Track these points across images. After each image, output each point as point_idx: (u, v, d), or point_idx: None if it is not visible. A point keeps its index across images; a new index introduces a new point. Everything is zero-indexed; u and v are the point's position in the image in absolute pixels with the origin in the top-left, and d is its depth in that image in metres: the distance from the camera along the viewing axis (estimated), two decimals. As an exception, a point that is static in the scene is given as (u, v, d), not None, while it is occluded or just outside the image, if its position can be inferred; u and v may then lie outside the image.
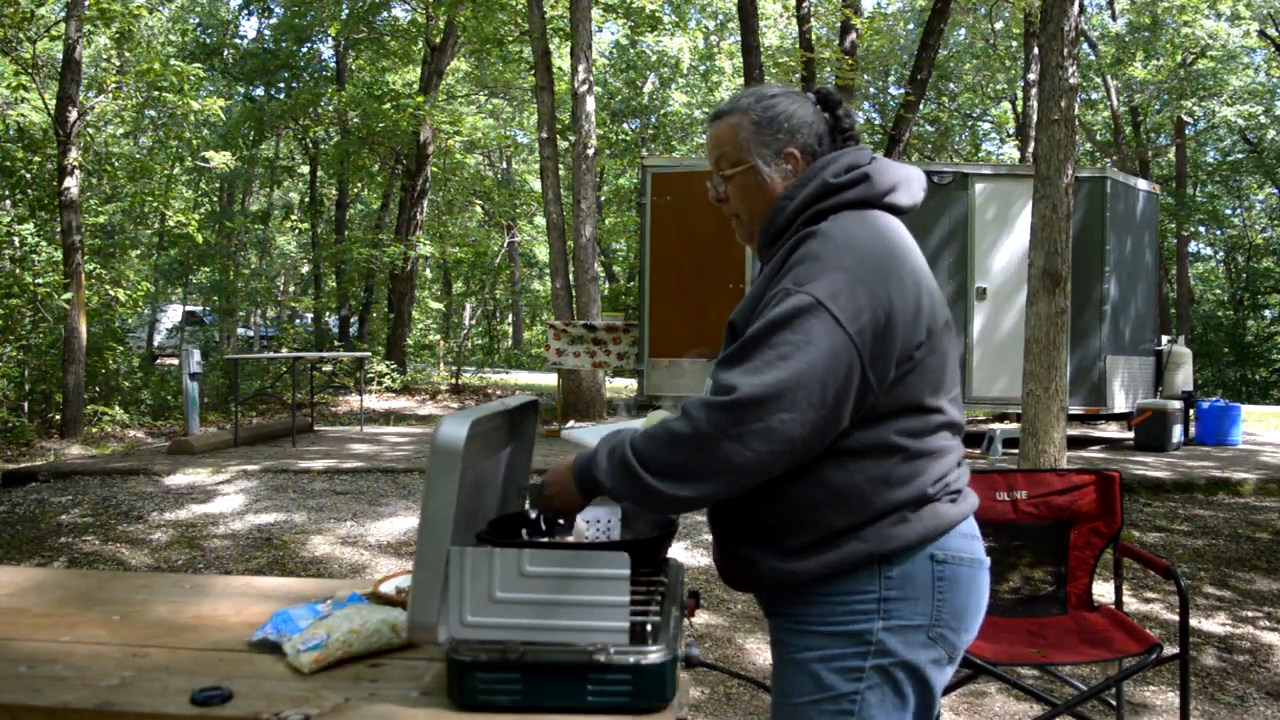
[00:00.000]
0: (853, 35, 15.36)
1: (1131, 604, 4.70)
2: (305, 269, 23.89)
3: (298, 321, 22.20)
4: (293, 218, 24.99)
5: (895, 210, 1.57)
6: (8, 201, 13.41)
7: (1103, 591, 4.10)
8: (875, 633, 1.48)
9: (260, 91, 18.90)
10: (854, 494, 1.47)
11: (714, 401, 1.37)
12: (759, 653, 4.07)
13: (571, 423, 2.04)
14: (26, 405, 12.52)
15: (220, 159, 15.73)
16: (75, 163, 11.46)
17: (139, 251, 17.42)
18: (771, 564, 1.51)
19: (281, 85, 18.96)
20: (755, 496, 1.48)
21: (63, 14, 12.42)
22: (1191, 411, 9.42)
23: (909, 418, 1.49)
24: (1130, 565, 4.76)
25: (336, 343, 20.09)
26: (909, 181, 1.59)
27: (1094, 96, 23.34)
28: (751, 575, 1.56)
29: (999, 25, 21.79)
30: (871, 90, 22.31)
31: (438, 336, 22.87)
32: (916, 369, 1.47)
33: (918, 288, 1.48)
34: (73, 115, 11.29)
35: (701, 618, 4.42)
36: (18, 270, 12.03)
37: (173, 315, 21.41)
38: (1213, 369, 24.96)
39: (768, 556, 1.52)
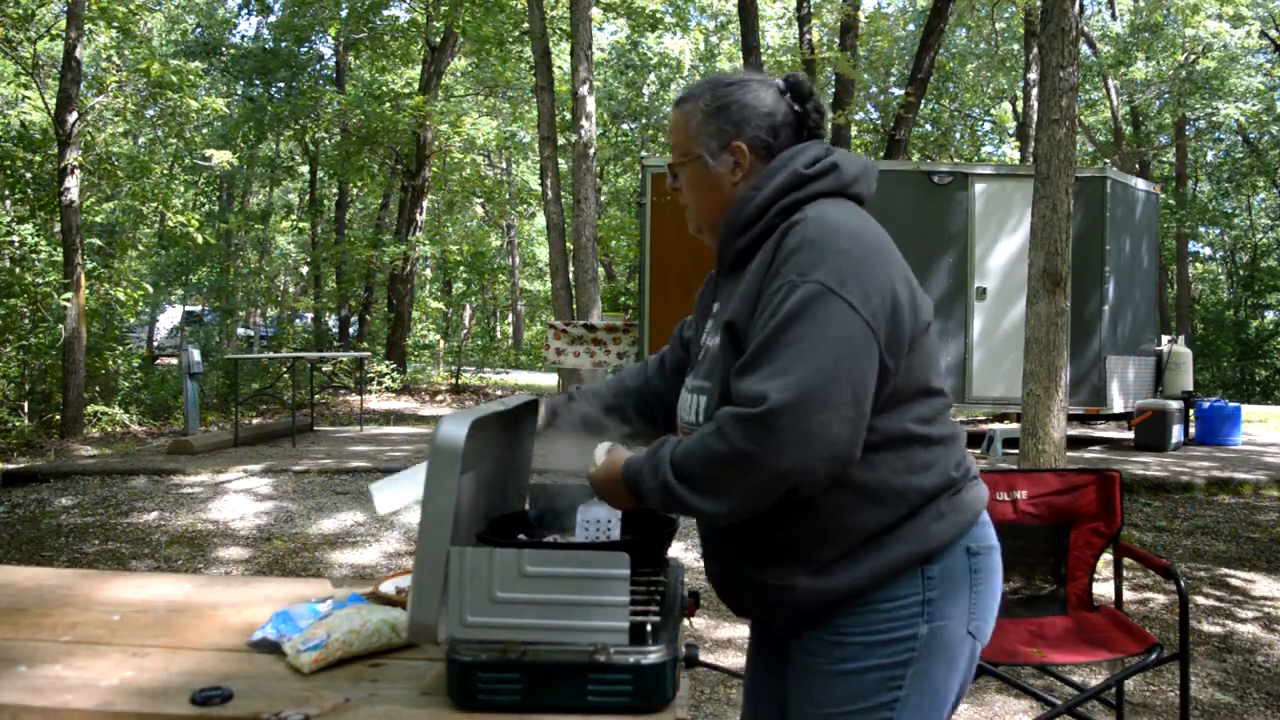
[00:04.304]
0: (851, 36, 15.37)
1: (1131, 604, 4.70)
2: (305, 269, 23.88)
3: (298, 321, 22.20)
4: (292, 218, 24.98)
5: (858, 200, 1.56)
6: (8, 201, 13.41)
7: (1103, 591, 4.10)
8: (919, 637, 1.42)
9: (259, 90, 18.88)
10: (885, 490, 1.41)
11: (746, 414, 1.30)
12: (759, 653, 4.06)
13: (376, 485, 2.03)
14: (26, 405, 12.53)
15: (221, 156, 15.73)
16: (75, 163, 11.46)
17: (138, 253, 17.41)
18: (808, 584, 1.43)
19: (281, 85, 18.95)
20: (776, 511, 1.38)
21: (64, 11, 12.41)
22: (1191, 412, 9.42)
23: (921, 402, 1.45)
24: (1130, 565, 4.76)
25: (336, 343, 20.09)
26: (868, 173, 1.57)
27: (1094, 97, 23.32)
28: (787, 601, 1.46)
29: (1000, 26, 21.78)
30: (872, 90, 22.28)
31: (438, 336, 22.86)
32: (919, 351, 1.44)
33: (904, 270, 1.46)
34: (72, 116, 11.29)
35: (701, 618, 4.42)
36: (18, 270, 12.04)
37: (173, 315, 21.41)
38: (1214, 369, 24.95)
39: (801, 575, 1.43)
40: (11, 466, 8.46)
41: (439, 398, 16.37)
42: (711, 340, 1.55)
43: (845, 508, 1.41)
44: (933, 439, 1.46)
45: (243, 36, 23.35)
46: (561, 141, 13.71)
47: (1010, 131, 25.61)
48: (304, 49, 19.73)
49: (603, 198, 24.01)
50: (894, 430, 1.42)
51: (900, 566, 1.42)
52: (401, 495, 1.80)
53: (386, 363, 17.66)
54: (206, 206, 21.87)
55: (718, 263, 1.62)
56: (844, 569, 1.42)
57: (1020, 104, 21.47)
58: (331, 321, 21.74)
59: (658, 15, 16.69)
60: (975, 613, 1.47)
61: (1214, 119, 21.30)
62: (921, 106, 17.82)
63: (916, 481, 1.43)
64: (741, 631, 4.32)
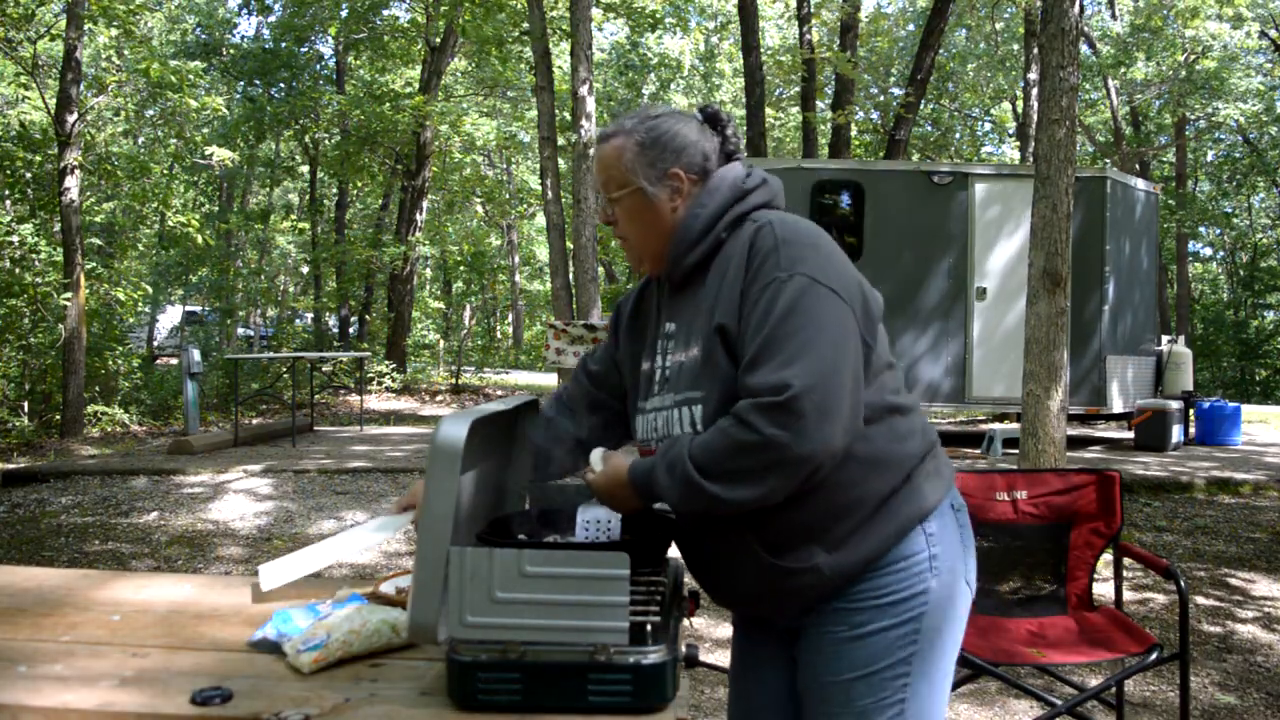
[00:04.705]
0: (851, 36, 15.37)
1: (1131, 604, 4.70)
2: (305, 269, 23.86)
3: (298, 321, 22.18)
4: (292, 218, 24.97)
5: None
6: (8, 201, 13.41)
7: (1103, 591, 4.10)
8: (930, 591, 1.52)
9: (259, 90, 18.88)
10: (884, 458, 1.51)
11: (771, 402, 1.36)
12: (759, 653, 4.06)
13: (265, 565, 2.02)
14: (26, 405, 12.53)
15: (222, 154, 15.73)
16: (75, 163, 11.45)
17: (138, 253, 17.40)
18: (829, 560, 1.49)
19: (281, 85, 18.95)
20: (793, 495, 1.44)
21: (64, 11, 12.41)
22: (1191, 412, 9.42)
23: (888, 375, 1.57)
24: (1130, 565, 4.76)
25: (336, 343, 20.07)
26: (782, 189, 1.67)
27: (1094, 97, 23.32)
28: (811, 583, 1.51)
29: (1000, 26, 21.78)
30: (872, 90, 22.28)
31: (438, 336, 22.85)
32: (879, 330, 1.57)
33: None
34: (72, 116, 11.28)
35: (701, 618, 4.42)
36: (18, 270, 12.04)
37: (173, 315, 21.39)
38: (1214, 369, 24.94)
39: (821, 554, 1.49)
40: (11, 466, 8.46)
41: (439, 398, 16.37)
42: (685, 353, 1.59)
43: (854, 481, 1.49)
44: (906, 407, 1.58)
45: (243, 37, 23.34)
46: (561, 141, 13.70)
47: (1010, 131, 25.61)
48: (304, 49, 19.71)
49: (603, 198, 23.94)
50: (877, 402, 1.52)
51: (906, 526, 1.52)
52: (289, 571, 1.79)
53: (386, 363, 17.65)
54: (206, 206, 21.87)
55: (667, 282, 1.68)
56: (859, 540, 1.50)
57: (1020, 104, 21.47)
58: (331, 321, 21.73)
59: (658, 15, 16.69)
60: (967, 565, 1.59)
61: (1214, 119, 21.30)
62: (921, 106, 17.81)
63: (905, 448, 1.55)
64: (741, 631, 4.31)
